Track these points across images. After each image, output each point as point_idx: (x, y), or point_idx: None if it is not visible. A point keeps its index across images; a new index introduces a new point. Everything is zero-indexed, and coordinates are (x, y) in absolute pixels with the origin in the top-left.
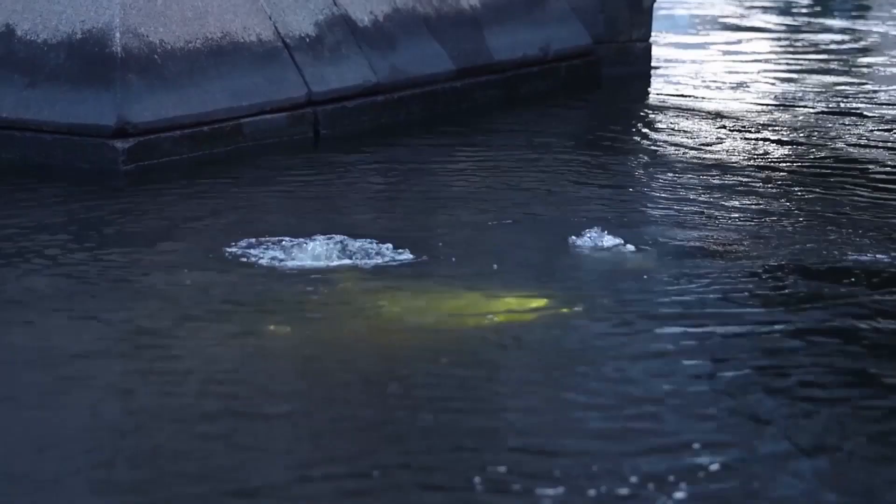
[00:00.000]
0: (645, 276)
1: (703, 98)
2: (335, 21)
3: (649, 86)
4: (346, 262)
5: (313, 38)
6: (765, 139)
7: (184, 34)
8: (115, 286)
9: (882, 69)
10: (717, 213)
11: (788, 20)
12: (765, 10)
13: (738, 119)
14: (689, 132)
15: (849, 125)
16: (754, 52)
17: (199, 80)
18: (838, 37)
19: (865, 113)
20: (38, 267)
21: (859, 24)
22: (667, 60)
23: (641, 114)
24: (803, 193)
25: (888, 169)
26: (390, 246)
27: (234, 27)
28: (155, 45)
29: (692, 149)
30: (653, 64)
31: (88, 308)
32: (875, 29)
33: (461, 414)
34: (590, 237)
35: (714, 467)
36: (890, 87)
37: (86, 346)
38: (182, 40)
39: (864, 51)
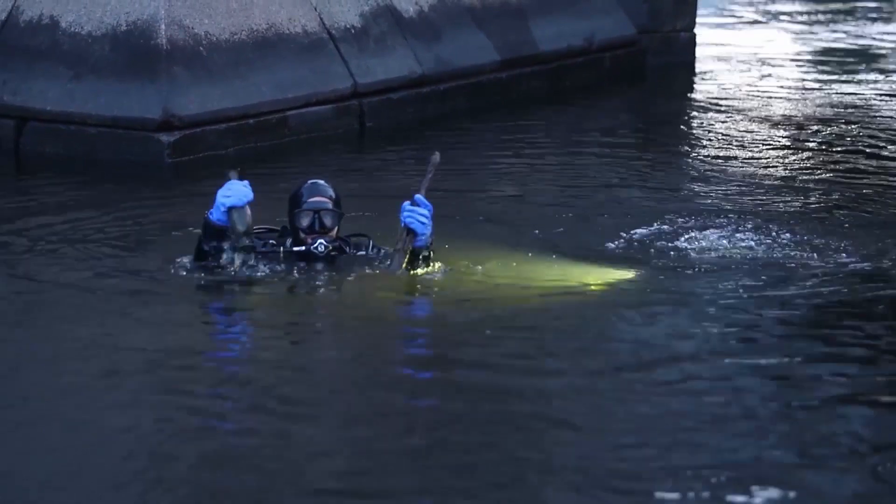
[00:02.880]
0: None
1: (750, 95)
2: (380, 12)
3: (693, 77)
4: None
5: (359, 29)
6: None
7: (229, 26)
8: (162, 285)
9: None
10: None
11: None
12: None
13: (786, 123)
14: (732, 135)
15: None
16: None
17: (245, 71)
18: None
19: None
20: (81, 264)
21: None
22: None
23: (686, 111)
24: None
25: None
26: None
27: (279, 18)
28: (200, 37)
29: (736, 157)
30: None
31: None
32: None
33: None
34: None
35: None
36: None
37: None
38: (227, 32)
39: None
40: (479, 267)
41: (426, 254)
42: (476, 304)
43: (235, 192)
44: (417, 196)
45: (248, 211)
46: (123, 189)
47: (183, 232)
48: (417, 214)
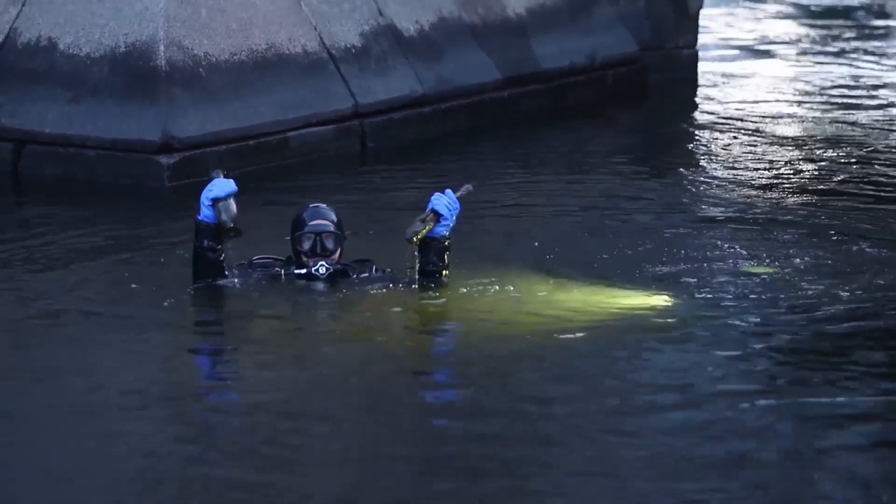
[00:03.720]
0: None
1: (753, 113)
2: (381, 31)
3: (696, 94)
4: None
5: (359, 48)
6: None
7: (228, 46)
8: (162, 312)
9: None
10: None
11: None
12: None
13: (788, 141)
14: (736, 154)
15: None
16: (809, 59)
17: (245, 93)
18: None
19: None
20: (80, 290)
21: None
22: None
23: (689, 129)
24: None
25: None
26: None
27: (279, 38)
28: (199, 58)
29: (740, 177)
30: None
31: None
32: None
33: None
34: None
35: None
36: None
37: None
38: (227, 53)
39: None
40: (490, 289)
41: (445, 247)
42: (487, 329)
43: (218, 185)
44: (448, 190)
45: (233, 203)
46: (123, 212)
47: (182, 255)
48: (446, 200)
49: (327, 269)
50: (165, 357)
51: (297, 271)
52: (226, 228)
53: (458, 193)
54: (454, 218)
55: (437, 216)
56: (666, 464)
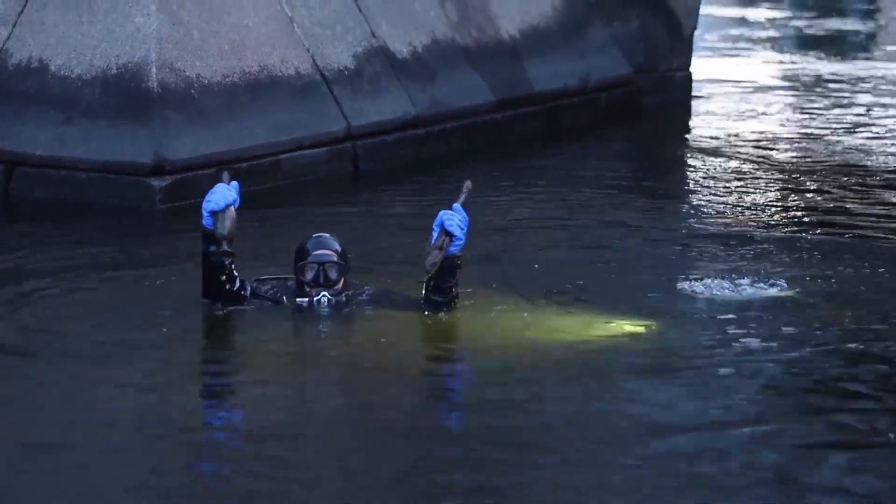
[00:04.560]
0: None
1: (747, 136)
2: (374, 53)
3: (690, 117)
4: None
5: (352, 70)
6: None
7: (221, 68)
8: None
9: None
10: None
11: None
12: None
13: (783, 164)
14: (730, 177)
15: None
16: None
17: (237, 114)
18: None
19: None
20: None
21: None
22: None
23: (682, 154)
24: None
25: None
26: None
27: (271, 60)
28: (192, 80)
29: (734, 200)
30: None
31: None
32: None
33: None
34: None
35: None
36: None
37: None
38: (219, 74)
39: None
40: (487, 313)
41: (458, 265)
42: (485, 353)
43: (217, 195)
44: (456, 205)
45: (232, 214)
46: (114, 235)
47: (176, 279)
48: (457, 219)
49: (329, 300)
50: (156, 382)
51: (299, 300)
52: (218, 238)
53: (461, 200)
54: (466, 233)
55: (450, 237)
56: (657, 489)
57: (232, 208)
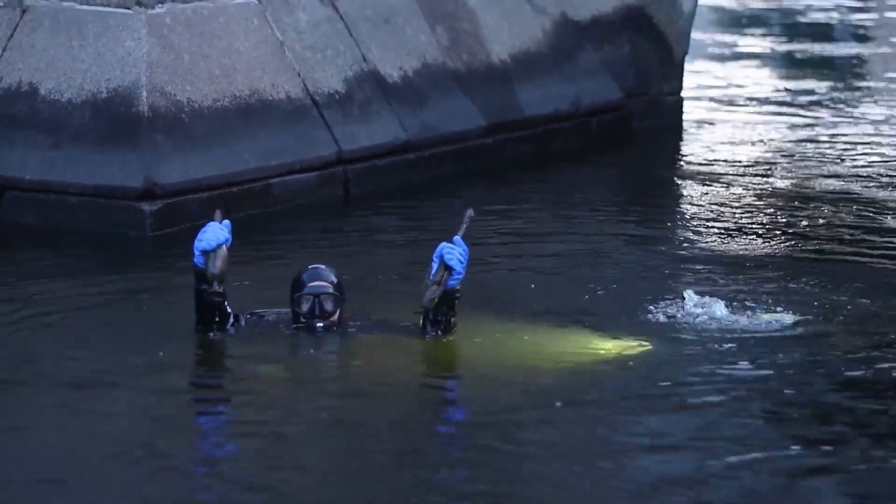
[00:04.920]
0: None
1: (739, 161)
2: (364, 77)
3: (681, 141)
4: None
5: (343, 94)
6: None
7: (211, 92)
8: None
9: None
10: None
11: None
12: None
13: (775, 189)
14: (721, 203)
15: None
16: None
17: (228, 139)
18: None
19: None
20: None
21: None
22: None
23: (673, 178)
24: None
25: None
26: None
27: (262, 84)
28: (182, 104)
29: (725, 226)
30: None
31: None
32: None
33: None
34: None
35: None
36: None
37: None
38: (210, 98)
39: None
40: (481, 337)
41: (456, 297)
42: (482, 376)
43: (209, 234)
44: (456, 238)
45: (224, 253)
46: (104, 260)
47: (168, 306)
48: (457, 252)
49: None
50: (151, 412)
51: (295, 326)
52: (209, 278)
53: (463, 231)
54: (466, 267)
55: (450, 270)
56: None
57: (224, 247)
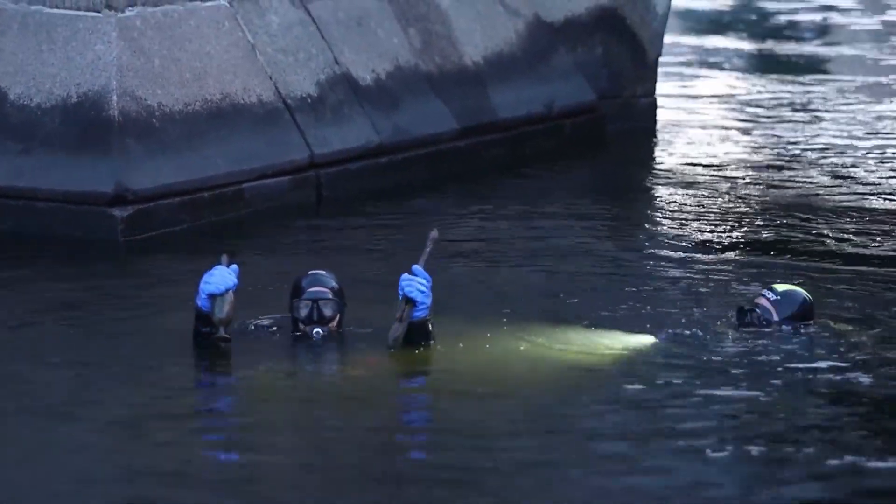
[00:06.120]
0: None
1: (713, 163)
2: (337, 80)
3: (654, 143)
4: None
5: (315, 98)
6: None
7: (182, 96)
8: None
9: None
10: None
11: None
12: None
13: (749, 191)
14: (695, 204)
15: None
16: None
17: (199, 144)
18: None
19: None
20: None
21: None
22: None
23: (646, 180)
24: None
25: None
26: None
27: (233, 88)
28: (153, 109)
29: (698, 227)
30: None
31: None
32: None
33: None
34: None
35: None
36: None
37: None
38: (181, 103)
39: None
40: (460, 343)
41: (428, 326)
42: (463, 385)
43: (217, 278)
44: (415, 267)
45: (231, 298)
46: (75, 267)
47: (135, 315)
48: (416, 283)
49: (321, 335)
50: (126, 434)
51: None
52: (216, 322)
53: (425, 256)
54: (430, 295)
55: (412, 303)
56: None
57: (230, 292)
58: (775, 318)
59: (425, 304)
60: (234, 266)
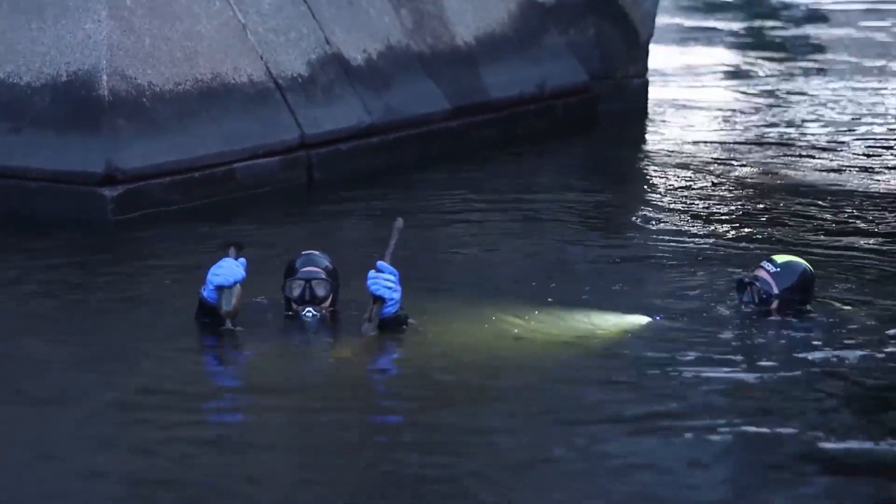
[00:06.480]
0: None
1: (705, 143)
2: (328, 60)
3: (646, 124)
4: None
5: (306, 78)
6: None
7: (173, 76)
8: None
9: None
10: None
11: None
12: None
13: (741, 171)
14: (685, 186)
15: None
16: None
17: (189, 123)
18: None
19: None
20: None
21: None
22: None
23: (638, 161)
24: None
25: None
26: None
27: (224, 68)
28: (143, 88)
29: (688, 211)
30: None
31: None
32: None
33: None
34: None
35: None
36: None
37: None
38: (171, 82)
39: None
40: (450, 324)
41: (402, 318)
42: (448, 365)
43: (225, 270)
44: (380, 263)
45: (238, 290)
46: (65, 247)
47: (125, 296)
48: (382, 280)
49: (314, 315)
50: (117, 421)
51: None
52: (223, 314)
53: (391, 249)
54: (398, 289)
55: (380, 300)
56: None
57: (238, 285)
58: (775, 290)
59: (394, 300)
60: (243, 259)
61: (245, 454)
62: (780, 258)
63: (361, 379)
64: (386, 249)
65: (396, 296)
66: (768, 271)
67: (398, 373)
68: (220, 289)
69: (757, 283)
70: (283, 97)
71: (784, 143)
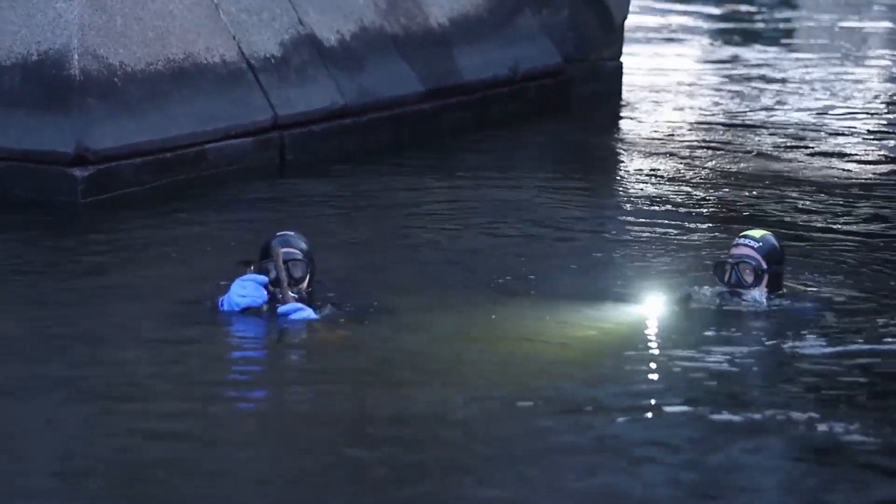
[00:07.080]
0: None
1: (678, 126)
2: (301, 41)
3: (620, 107)
4: None
5: (279, 58)
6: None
7: (145, 56)
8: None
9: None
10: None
11: None
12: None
13: (715, 154)
14: (659, 169)
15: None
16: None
17: (161, 103)
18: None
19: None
20: None
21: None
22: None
23: (612, 144)
24: None
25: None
26: None
27: (196, 48)
28: (115, 68)
29: (663, 191)
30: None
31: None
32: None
33: None
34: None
35: None
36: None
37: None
38: (143, 62)
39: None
40: (424, 314)
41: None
42: (431, 359)
43: (251, 292)
44: (281, 310)
45: (264, 309)
46: (34, 229)
47: (94, 278)
48: (295, 316)
49: (291, 296)
50: (84, 415)
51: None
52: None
53: (284, 286)
54: (303, 308)
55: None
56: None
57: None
58: (764, 265)
59: (303, 318)
60: (263, 278)
61: (214, 447)
62: (756, 233)
63: (341, 369)
64: (281, 292)
65: (303, 315)
66: (752, 247)
67: (370, 363)
68: (247, 309)
69: (746, 261)
70: (256, 78)
71: (758, 127)
